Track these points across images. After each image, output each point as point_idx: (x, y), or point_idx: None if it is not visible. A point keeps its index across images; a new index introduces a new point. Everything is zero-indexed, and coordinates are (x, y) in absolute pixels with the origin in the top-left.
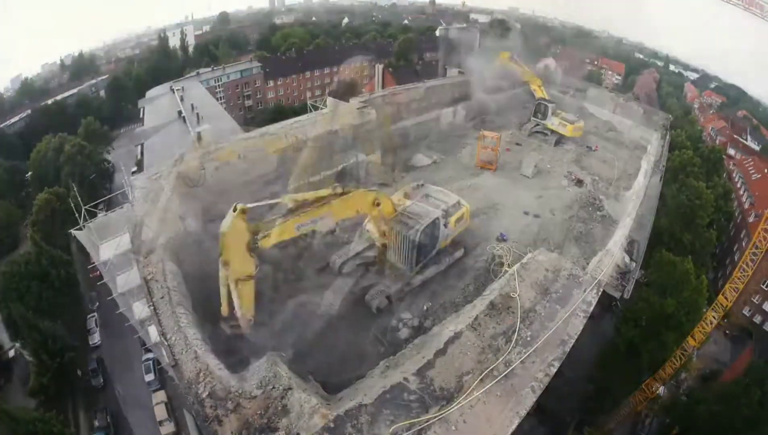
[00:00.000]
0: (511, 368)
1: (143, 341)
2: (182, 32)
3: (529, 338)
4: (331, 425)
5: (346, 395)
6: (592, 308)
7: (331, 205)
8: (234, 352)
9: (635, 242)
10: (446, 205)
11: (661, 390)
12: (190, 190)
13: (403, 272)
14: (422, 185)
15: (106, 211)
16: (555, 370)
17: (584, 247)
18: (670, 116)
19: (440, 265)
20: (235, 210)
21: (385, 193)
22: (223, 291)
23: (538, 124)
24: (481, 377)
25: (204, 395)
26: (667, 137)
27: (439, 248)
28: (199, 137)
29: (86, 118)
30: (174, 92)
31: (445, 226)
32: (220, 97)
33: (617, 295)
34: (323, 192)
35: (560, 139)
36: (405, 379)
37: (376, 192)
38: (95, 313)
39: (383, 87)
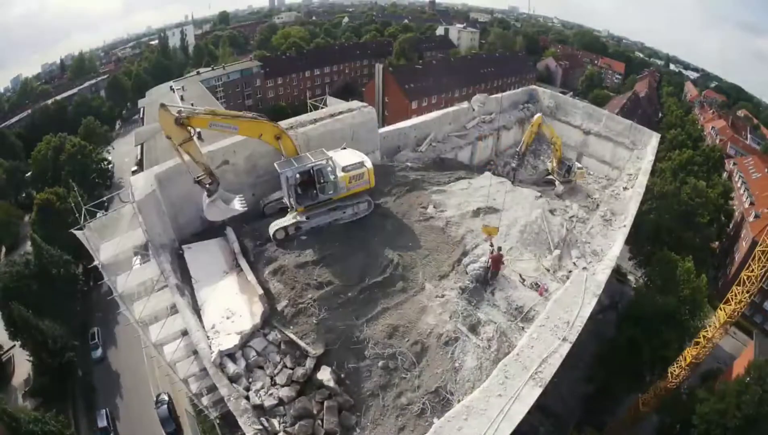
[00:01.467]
0: (511, 368)
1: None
2: (182, 32)
3: (529, 338)
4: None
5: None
6: (592, 307)
7: (241, 120)
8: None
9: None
10: (348, 162)
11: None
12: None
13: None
14: (344, 148)
15: (106, 210)
16: (555, 369)
17: (584, 247)
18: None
19: (344, 215)
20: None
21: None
22: (182, 159)
23: (554, 179)
24: (481, 377)
25: None
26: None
27: (334, 198)
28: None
29: (86, 118)
30: (174, 92)
31: (335, 178)
32: (221, 97)
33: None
34: (246, 114)
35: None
36: (404, 378)
37: (283, 131)
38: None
39: (384, 86)
